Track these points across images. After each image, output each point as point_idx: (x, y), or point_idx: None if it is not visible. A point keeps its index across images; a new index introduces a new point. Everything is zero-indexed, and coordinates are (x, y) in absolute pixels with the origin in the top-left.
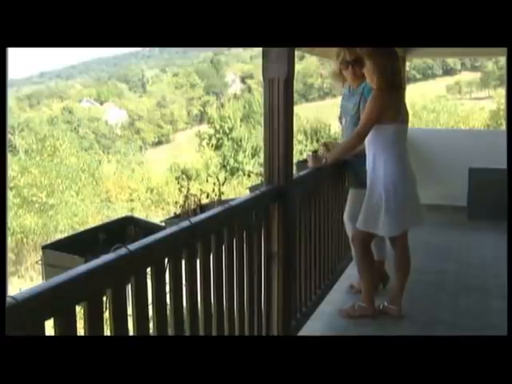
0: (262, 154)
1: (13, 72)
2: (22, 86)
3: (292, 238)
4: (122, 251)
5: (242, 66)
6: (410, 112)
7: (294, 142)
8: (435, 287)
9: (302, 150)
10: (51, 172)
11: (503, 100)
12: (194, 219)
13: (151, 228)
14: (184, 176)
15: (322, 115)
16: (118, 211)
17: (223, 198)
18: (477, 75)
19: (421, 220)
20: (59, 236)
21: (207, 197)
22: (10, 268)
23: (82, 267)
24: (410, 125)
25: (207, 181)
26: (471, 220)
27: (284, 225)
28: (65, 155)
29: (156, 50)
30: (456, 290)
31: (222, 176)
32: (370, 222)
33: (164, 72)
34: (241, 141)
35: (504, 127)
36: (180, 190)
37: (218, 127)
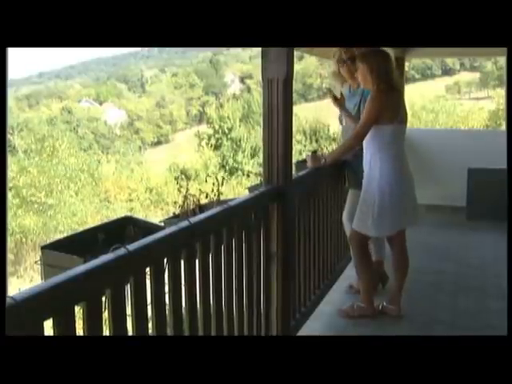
0: (261, 154)
1: (12, 72)
2: (21, 86)
3: (291, 238)
4: (121, 251)
5: (241, 66)
6: (410, 112)
7: (293, 142)
8: (434, 287)
9: (301, 150)
10: (50, 172)
11: (502, 100)
12: (193, 219)
13: (150, 228)
14: (183, 176)
15: (321, 115)
16: (117, 211)
17: (222, 198)
18: (476, 75)
19: (416, 220)
20: (58, 236)
21: (206, 197)
22: (9, 268)
23: (81, 267)
24: (409, 125)
25: (206, 181)
26: (470, 220)
27: (283, 225)
28: (64, 155)
29: (155, 50)
30: (455, 290)
31: (221, 176)
32: (362, 223)
33: (163, 72)
34: (240, 141)
35: (503, 127)
36: (179, 190)
37: (217, 127)
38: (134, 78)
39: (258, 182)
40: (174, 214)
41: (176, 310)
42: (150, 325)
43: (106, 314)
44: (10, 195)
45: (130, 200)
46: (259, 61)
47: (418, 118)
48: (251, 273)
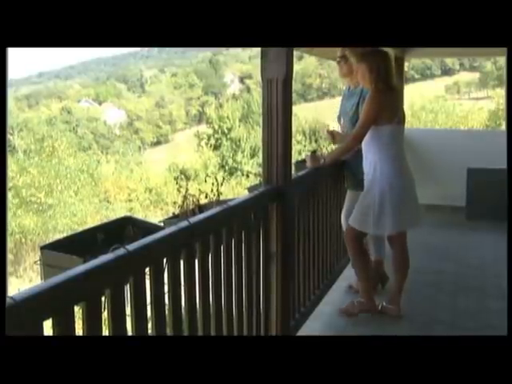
0: (260, 154)
1: (11, 72)
2: (21, 86)
3: (290, 238)
4: (121, 251)
5: (240, 66)
6: (409, 112)
7: (293, 142)
8: (434, 287)
9: (300, 150)
10: (50, 172)
11: (502, 100)
12: (193, 219)
13: (150, 228)
14: (183, 176)
15: (320, 115)
16: (117, 211)
17: (222, 198)
18: (475, 75)
19: (418, 221)
20: (58, 236)
21: (206, 197)
22: (8, 268)
23: (81, 267)
24: (408, 125)
25: (206, 181)
26: (470, 220)
27: (283, 225)
28: (63, 155)
29: (155, 50)
30: (455, 290)
31: (220, 176)
32: (361, 221)
33: (163, 72)
34: (239, 141)
35: (503, 127)
36: (179, 190)
37: (216, 127)
38: (133, 78)
39: (258, 182)
40: (173, 214)
41: (175, 310)
42: (149, 325)
43: (105, 314)
44: (9, 195)
45: (130, 200)
46: (259, 61)
47: (418, 118)
48: (251, 273)
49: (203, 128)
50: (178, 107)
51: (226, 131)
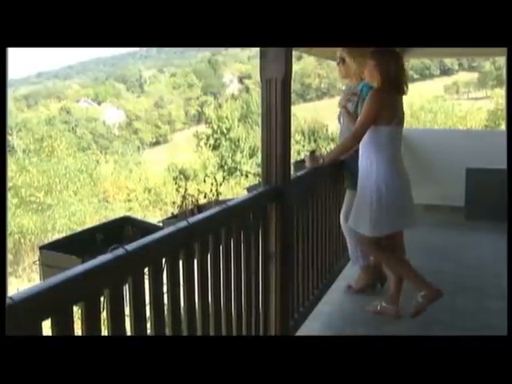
0: (259, 154)
1: (10, 72)
2: (20, 86)
3: (290, 238)
4: (120, 251)
5: (239, 66)
6: (408, 112)
7: (292, 142)
8: None
9: (299, 150)
10: (49, 172)
11: (501, 100)
12: (192, 219)
13: (148, 228)
14: (182, 176)
15: (319, 115)
16: (116, 211)
17: (221, 198)
18: (474, 75)
19: (414, 221)
20: (57, 236)
21: (205, 197)
22: (7, 268)
23: (80, 267)
24: (407, 125)
25: (205, 181)
26: (469, 220)
27: (282, 225)
28: (62, 155)
29: (154, 50)
30: (454, 290)
31: (219, 176)
32: (357, 222)
33: (162, 72)
34: (238, 141)
35: (502, 127)
36: (178, 190)
37: (215, 127)
38: (132, 78)
39: (257, 182)
40: (172, 214)
41: (174, 310)
42: (148, 325)
43: (104, 314)
44: (8, 195)
45: (129, 200)
46: (258, 61)
47: (417, 118)
48: (250, 273)
49: (202, 128)
50: (177, 107)
51: (225, 131)
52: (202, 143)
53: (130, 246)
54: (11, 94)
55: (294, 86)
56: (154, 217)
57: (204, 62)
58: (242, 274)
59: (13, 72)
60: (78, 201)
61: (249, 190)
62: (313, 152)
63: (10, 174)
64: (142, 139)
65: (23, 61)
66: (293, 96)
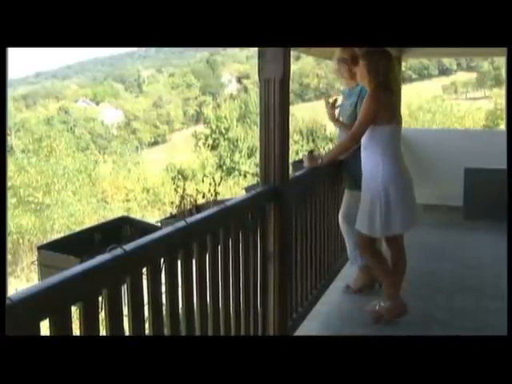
0: (258, 154)
1: (9, 72)
2: (18, 86)
3: (288, 238)
4: (118, 251)
5: (238, 66)
6: (407, 112)
7: (290, 142)
8: (431, 287)
9: (298, 150)
10: (48, 172)
11: (499, 100)
12: (190, 219)
13: (147, 228)
14: (180, 176)
15: (318, 115)
16: (115, 211)
17: (219, 198)
18: (472, 75)
19: (417, 221)
20: (55, 236)
21: (203, 197)
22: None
23: (78, 268)
24: (406, 125)
25: (203, 181)
26: (467, 220)
27: (280, 225)
28: (61, 155)
29: (152, 50)
30: (452, 290)
31: (218, 176)
32: (366, 224)
33: (160, 72)
34: (237, 141)
35: (500, 127)
36: (176, 190)
37: (214, 127)
38: (130, 78)
39: (255, 182)
40: (170, 214)
41: (173, 310)
42: (146, 325)
43: (102, 315)
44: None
45: (127, 200)
46: (256, 61)
47: (415, 118)
48: (248, 273)
49: (201, 128)
50: (176, 107)
51: (223, 131)
52: (200, 143)
53: (129, 246)
54: (10, 93)
55: (293, 85)
56: (153, 217)
57: (202, 62)
58: (240, 274)
59: (11, 72)
60: (76, 201)
61: (247, 190)
62: (311, 152)
63: (8, 174)
64: (140, 139)
65: (22, 61)
66: (291, 96)
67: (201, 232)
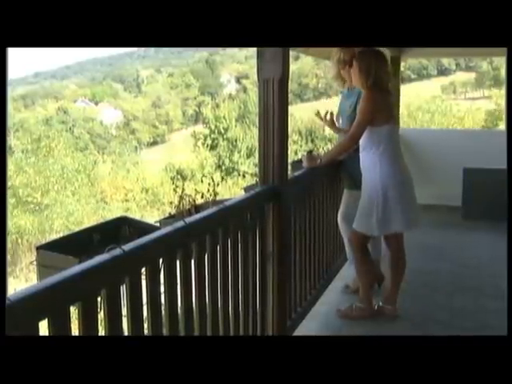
0: (257, 154)
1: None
2: (17, 86)
3: (287, 238)
4: (117, 251)
5: (237, 66)
6: (405, 112)
7: (289, 142)
8: (430, 287)
9: (297, 150)
10: (46, 172)
11: (499, 100)
12: (189, 219)
13: (146, 228)
14: (179, 176)
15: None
16: (114, 211)
17: (218, 198)
18: (471, 75)
19: (418, 221)
20: (54, 236)
21: (202, 197)
22: None
23: (77, 268)
24: (405, 125)
25: (202, 181)
26: (466, 220)
27: (279, 225)
28: (60, 155)
29: (151, 50)
30: (451, 290)
31: (217, 176)
32: (363, 223)
33: (159, 72)
34: (236, 141)
35: (500, 127)
36: (175, 190)
37: (213, 127)
38: (129, 78)
39: (254, 182)
40: (169, 214)
41: (172, 311)
42: (145, 325)
43: (101, 315)
44: None
45: (126, 200)
46: (255, 61)
47: (414, 118)
48: (247, 273)
49: (200, 128)
50: (175, 107)
51: (222, 131)
52: (199, 143)
53: (127, 246)
54: (9, 93)
55: (292, 85)
56: (152, 217)
57: (201, 62)
58: (239, 274)
59: (10, 72)
60: (75, 201)
61: (246, 189)
62: (310, 152)
63: (7, 174)
64: (139, 139)
65: (21, 61)
66: (290, 96)
67: (200, 232)
